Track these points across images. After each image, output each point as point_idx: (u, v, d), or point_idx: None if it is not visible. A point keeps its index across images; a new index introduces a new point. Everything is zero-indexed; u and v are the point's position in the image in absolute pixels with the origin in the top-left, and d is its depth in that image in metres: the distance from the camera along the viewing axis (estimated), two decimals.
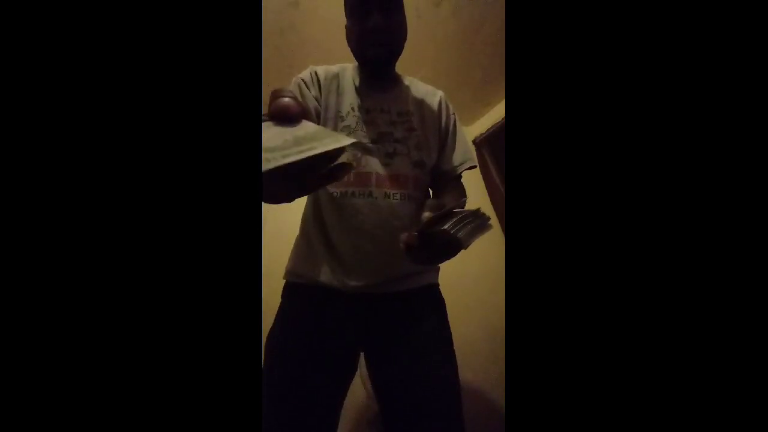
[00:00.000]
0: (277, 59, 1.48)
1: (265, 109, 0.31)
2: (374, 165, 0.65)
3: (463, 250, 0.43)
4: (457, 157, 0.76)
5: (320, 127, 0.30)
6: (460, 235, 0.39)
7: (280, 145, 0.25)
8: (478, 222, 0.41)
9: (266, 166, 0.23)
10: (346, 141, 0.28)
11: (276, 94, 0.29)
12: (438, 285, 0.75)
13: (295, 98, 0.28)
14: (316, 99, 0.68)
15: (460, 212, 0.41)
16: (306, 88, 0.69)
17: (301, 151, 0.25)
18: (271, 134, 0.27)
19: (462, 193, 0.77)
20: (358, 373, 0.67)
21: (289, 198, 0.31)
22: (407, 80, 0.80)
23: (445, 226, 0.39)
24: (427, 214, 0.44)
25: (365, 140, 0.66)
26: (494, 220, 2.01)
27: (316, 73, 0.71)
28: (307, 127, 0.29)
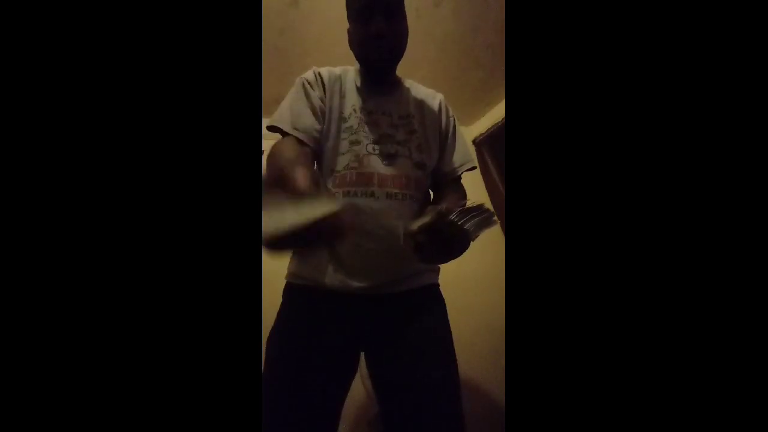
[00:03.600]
0: (277, 59, 1.48)
1: (265, 111, 0.32)
2: (376, 165, 0.65)
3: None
4: (457, 159, 0.76)
5: (314, 194, 0.36)
6: (467, 226, 0.40)
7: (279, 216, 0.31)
8: (483, 215, 0.42)
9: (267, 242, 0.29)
10: (335, 205, 0.33)
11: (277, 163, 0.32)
12: (438, 285, 0.75)
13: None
14: (321, 99, 0.68)
15: (465, 206, 0.42)
16: (311, 89, 0.69)
17: (298, 218, 0.30)
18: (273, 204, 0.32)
19: (462, 194, 0.77)
20: (358, 373, 0.67)
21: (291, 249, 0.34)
22: (408, 83, 0.80)
23: (452, 217, 0.39)
24: (431, 207, 0.44)
25: (367, 141, 0.67)
26: None
27: (320, 74, 0.71)
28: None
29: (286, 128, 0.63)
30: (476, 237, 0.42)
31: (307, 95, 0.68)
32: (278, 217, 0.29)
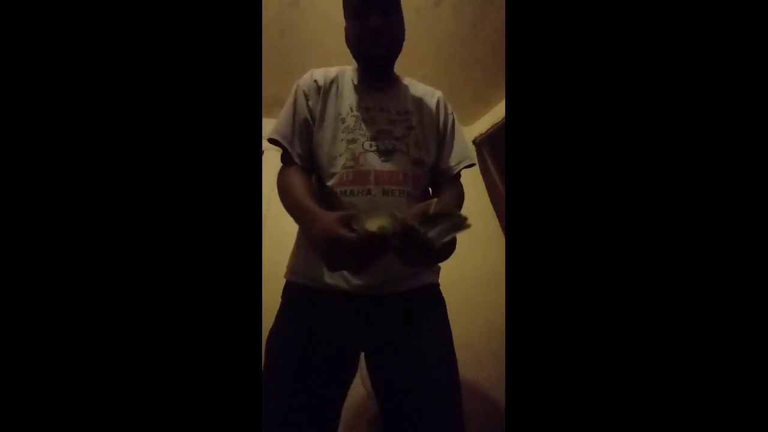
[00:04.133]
0: (277, 59, 1.48)
1: (265, 111, 0.31)
2: (373, 162, 0.65)
3: (462, 250, 0.43)
4: (455, 156, 0.76)
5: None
6: (430, 234, 0.40)
7: None
8: (452, 222, 0.41)
9: None
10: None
11: None
12: (438, 285, 0.75)
13: None
14: (311, 111, 0.70)
15: (437, 213, 0.41)
16: (305, 99, 0.71)
17: None
18: None
19: (460, 191, 0.77)
20: (358, 373, 0.67)
21: None
22: (406, 80, 0.80)
23: (413, 224, 0.40)
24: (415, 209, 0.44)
25: (364, 138, 0.67)
26: (494, 220, 2.01)
27: (315, 81, 0.72)
28: None
29: (286, 145, 0.68)
30: (441, 243, 0.40)
31: (303, 106, 0.70)
32: None
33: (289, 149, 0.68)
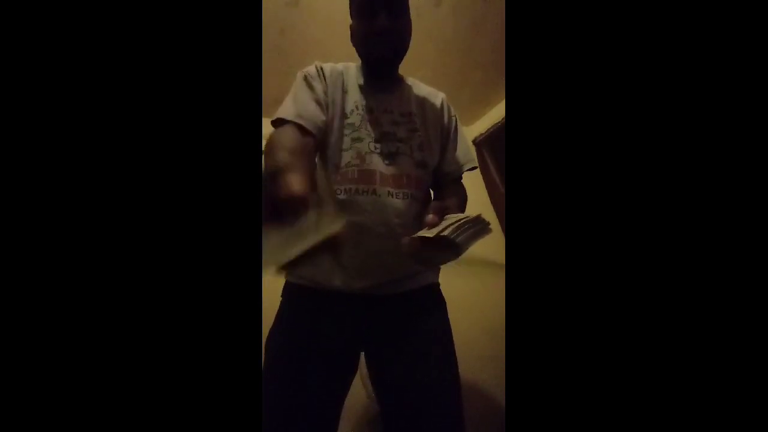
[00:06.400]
0: (277, 59, 1.49)
1: (265, 111, 0.31)
2: (377, 164, 0.65)
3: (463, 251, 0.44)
4: (458, 159, 0.76)
5: (314, 212, 0.36)
6: (458, 240, 0.41)
7: (280, 241, 0.33)
8: (477, 227, 0.43)
9: (267, 268, 0.30)
10: (338, 224, 0.35)
11: (279, 178, 0.32)
12: (438, 284, 0.75)
13: (300, 183, 0.33)
14: (324, 92, 0.68)
15: (461, 218, 0.42)
16: (313, 82, 0.68)
17: (302, 243, 0.32)
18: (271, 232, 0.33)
19: (463, 193, 0.77)
20: (358, 373, 0.67)
21: None
22: (409, 81, 0.80)
23: (445, 232, 0.40)
24: (430, 217, 0.44)
25: (369, 139, 0.66)
26: (494, 220, 2.01)
27: (321, 69, 0.71)
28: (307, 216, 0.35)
29: (290, 118, 0.61)
30: (467, 248, 0.43)
31: (311, 87, 0.67)
32: (282, 247, 0.33)
33: (294, 119, 0.60)
